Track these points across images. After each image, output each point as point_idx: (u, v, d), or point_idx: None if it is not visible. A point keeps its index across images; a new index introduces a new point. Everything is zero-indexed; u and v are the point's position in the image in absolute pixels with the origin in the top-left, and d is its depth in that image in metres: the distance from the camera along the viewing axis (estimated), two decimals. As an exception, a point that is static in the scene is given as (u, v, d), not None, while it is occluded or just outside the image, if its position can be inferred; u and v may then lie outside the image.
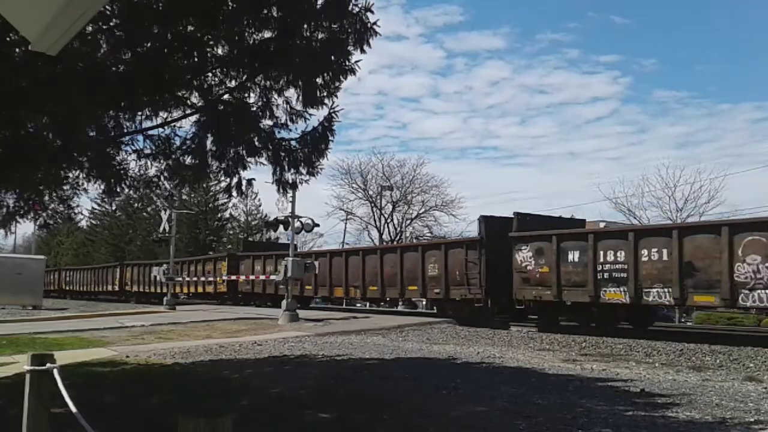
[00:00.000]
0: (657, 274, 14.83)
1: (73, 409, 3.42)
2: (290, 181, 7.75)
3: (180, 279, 32.07)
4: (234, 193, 7.84)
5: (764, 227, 13.39)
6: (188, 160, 7.59)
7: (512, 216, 18.95)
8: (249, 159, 7.48)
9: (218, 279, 30.38)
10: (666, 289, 14.62)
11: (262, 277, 26.96)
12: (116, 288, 41.13)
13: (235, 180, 7.67)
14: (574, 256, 16.82)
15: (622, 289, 15.47)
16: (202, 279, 31.88)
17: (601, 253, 15.99)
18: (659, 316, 21.39)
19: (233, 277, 29.15)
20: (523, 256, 17.95)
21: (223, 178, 7.87)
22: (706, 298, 14.33)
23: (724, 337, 14.66)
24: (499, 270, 18.37)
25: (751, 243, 13.33)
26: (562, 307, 17.47)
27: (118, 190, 7.99)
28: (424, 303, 36.10)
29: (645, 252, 15.09)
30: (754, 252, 13.24)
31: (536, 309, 18.23)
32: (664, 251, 14.69)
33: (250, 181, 7.77)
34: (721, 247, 13.61)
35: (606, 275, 15.85)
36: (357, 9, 6.76)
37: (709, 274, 13.90)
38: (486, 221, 19.52)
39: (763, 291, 13.14)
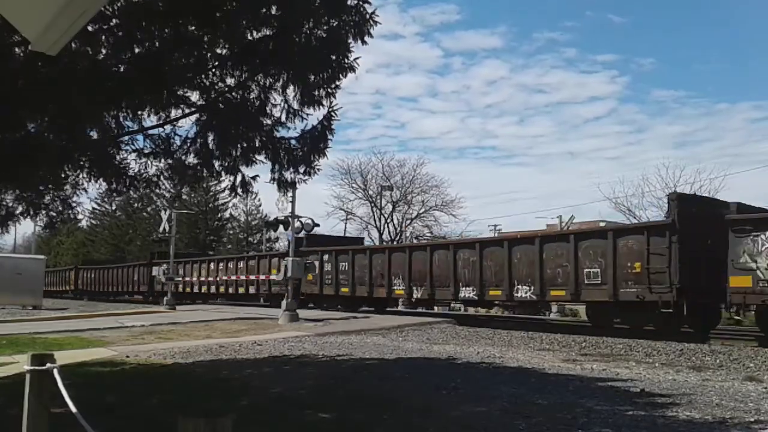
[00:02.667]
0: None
1: (73, 409, 3.42)
2: (289, 180, 7.75)
3: (220, 279, 31.09)
4: (239, 191, 7.83)
5: (598, 236, 16.52)
6: (191, 159, 7.59)
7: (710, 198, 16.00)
8: (250, 158, 7.48)
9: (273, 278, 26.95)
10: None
11: (344, 279, 24.04)
12: (144, 288, 37.65)
13: (239, 178, 7.67)
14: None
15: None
16: (252, 277, 29.12)
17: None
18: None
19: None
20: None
21: (224, 177, 7.87)
22: (558, 293, 17.27)
23: (724, 337, 14.66)
24: (701, 263, 14.38)
25: (587, 248, 16.38)
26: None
27: (119, 189, 7.99)
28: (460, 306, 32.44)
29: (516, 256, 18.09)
30: (593, 255, 16.16)
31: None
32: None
33: (254, 178, 7.76)
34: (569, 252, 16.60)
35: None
36: (355, 1, 6.76)
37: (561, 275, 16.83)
38: (680, 200, 15.16)
39: (597, 288, 16.01)
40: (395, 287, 22.28)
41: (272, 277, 26.41)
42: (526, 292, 17.87)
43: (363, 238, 44.02)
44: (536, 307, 27.40)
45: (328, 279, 24.82)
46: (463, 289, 19.79)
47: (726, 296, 13.77)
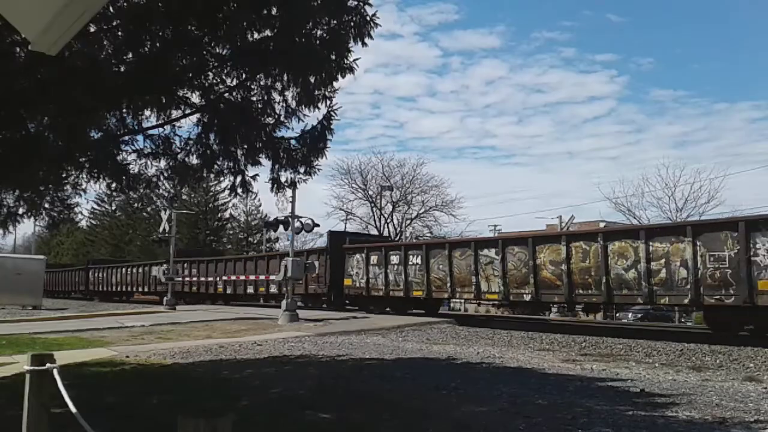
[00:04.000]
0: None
1: (73, 409, 3.42)
2: (289, 181, 7.76)
3: (235, 278, 30.03)
4: (239, 191, 7.83)
5: (521, 242, 18.24)
6: (191, 159, 7.59)
7: None
8: (251, 158, 7.48)
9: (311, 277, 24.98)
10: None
11: (395, 278, 21.48)
12: (163, 288, 34.21)
13: (239, 179, 7.67)
14: None
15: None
16: (271, 277, 26.12)
17: None
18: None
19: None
20: None
21: (225, 178, 7.87)
22: (492, 296, 19.17)
23: (724, 337, 14.65)
24: None
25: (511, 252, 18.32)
26: None
27: (119, 190, 7.99)
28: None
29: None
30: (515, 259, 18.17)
31: None
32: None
33: (254, 177, 7.77)
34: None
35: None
36: (355, 2, 6.76)
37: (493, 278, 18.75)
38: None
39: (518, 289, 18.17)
40: (462, 288, 19.75)
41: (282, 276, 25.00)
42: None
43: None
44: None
45: (376, 279, 22.38)
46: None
47: None
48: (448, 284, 19.90)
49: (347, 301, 24.44)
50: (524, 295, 18.19)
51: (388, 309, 22.11)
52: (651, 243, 15.22)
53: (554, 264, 17.23)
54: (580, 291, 16.72)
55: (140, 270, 38.11)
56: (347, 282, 23.35)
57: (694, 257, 14.35)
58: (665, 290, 15.02)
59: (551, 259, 17.33)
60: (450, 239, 28.89)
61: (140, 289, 38.19)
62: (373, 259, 22.61)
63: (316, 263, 19.84)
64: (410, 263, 21.25)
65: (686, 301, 14.93)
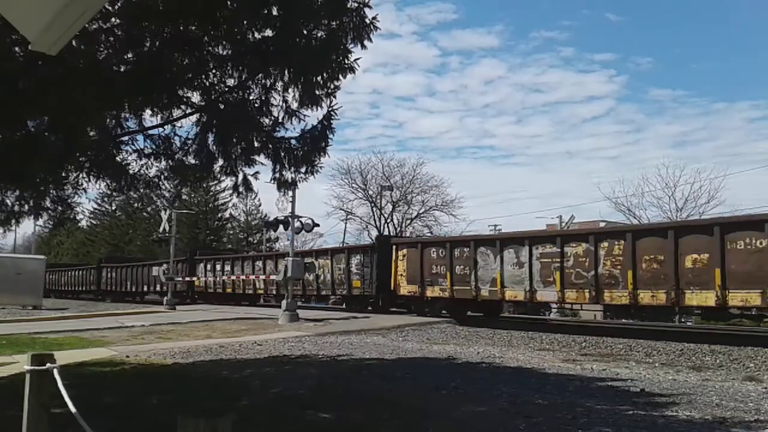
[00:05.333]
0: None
1: (73, 409, 3.42)
2: (290, 180, 7.75)
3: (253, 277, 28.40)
4: (240, 190, 7.83)
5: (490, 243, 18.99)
6: (191, 159, 7.59)
7: None
8: (250, 158, 7.49)
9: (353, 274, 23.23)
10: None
11: (472, 280, 18.69)
12: (183, 287, 32.07)
13: (240, 178, 7.67)
14: None
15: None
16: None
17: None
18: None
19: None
20: None
21: (224, 177, 7.87)
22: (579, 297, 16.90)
23: (724, 337, 14.65)
24: None
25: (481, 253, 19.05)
26: None
27: (119, 189, 7.99)
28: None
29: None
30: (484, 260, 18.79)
31: None
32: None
33: (254, 176, 7.77)
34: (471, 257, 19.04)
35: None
36: (356, 5, 6.77)
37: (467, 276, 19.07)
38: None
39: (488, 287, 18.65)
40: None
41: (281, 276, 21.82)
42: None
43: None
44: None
45: (434, 277, 20.02)
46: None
47: None
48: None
49: (398, 302, 22.01)
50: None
51: (444, 312, 19.83)
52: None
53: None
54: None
55: (147, 270, 36.22)
56: (399, 281, 21.05)
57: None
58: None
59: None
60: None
61: (153, 289, 36.36)
62: (436, 256, 20.14)
63: (289, 265, 18.60)
64: (480, 260, 18.83)
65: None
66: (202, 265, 33.16)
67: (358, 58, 7.01)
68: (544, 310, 25.79)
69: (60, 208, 8.40)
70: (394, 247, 21.94)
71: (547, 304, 21.30)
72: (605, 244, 16.03)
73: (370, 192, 50.52)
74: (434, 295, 20.11)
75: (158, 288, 34.57)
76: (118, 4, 6.11)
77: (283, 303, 19.02)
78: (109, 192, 8.19)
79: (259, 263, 29.51)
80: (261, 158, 7.51)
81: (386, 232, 48.73)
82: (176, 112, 7.35)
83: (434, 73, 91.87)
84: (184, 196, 47.71)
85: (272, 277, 24.91)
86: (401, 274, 21.09)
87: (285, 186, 7.81)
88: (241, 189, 7.82)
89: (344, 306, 25.69)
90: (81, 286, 46.92)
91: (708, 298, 13.97)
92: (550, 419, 6.12)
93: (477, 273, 18.85)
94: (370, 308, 22.80)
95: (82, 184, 7.95)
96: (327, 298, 27.30)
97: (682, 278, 14.34)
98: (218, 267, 32.02)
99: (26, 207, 8.12)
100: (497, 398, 7.24)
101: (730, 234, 13.70)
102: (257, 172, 7.75)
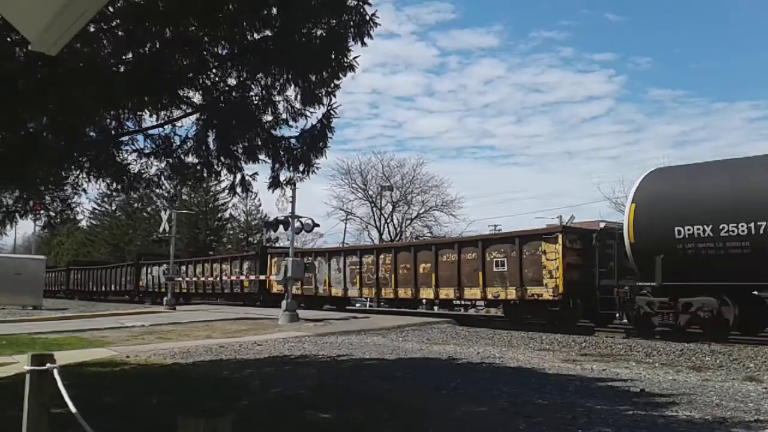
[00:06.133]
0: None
1: (73, 409, 3.42)
2: (289, 180, 7.76)
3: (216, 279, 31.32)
4: (238, 191, 7.83)
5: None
6: (191, 158, 7.59)
7: None
8: (251, 157, 7.48)
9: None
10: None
11: (313, 282, 23.49)
12: (131, 287, 38.26)
13: (238, 177, 7.67)
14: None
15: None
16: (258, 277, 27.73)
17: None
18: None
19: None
20: None
21: (224, 177, 7.87)
22: (369, 293, 23.72)
23: (724, 337, 14.65)
24: None
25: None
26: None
27: (120, 189, 7.99)
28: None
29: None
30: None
31: None
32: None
33: (253, 176, 7.77)
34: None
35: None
36: (355, 2, 6.76)
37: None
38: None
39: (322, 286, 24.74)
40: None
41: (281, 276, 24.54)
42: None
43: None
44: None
45: (290, 280, 20.00)
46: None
47: None
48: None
49: (272, 299, 26.14)
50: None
51: (302, 304, 22.43)
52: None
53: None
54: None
55: (114, 272, 42.09)
56: (271, 282, 25.81)
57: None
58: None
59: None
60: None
61: (113, 289, 41.45)
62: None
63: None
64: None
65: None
66: (144, 268, 37.85)
67: (357, 56, 7.01)
68: (355, 303, 31.96)
69: (60, 207, 8.40)
70: (269, 255, 28.43)
71: (354, 298, 27.67)
72: (383, 255, 22.78)
73: (370, 192, 50.56)
74: (295, 292, 23.29)
75: (117, 288, 40.51)
76: (119, 4, 6.10)
77: (283, 303, 19.03)
78: (109, 192, 8.20)
79: (225, 265, 32.11)
80: (261, 156, 7.51)
81: (386, 233, 48.83)
82: (176, 112, 7.35)
83: (433, 73, 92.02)
84: (184, 196, 47.83)
85: (233, 278, 30.30)
86: (273, 277, 25.20)
87: (283, 185, 7.81)
88: (238, 189, 7.82)
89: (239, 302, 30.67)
90: (55, 286, 49.88)
91: (431, 293, 21.09)
92: (550, 419, 6.12)
93: (316, 276, 24.37)
94: (258, 303, 27.69)
95: (81, 184, 7.96)
96: (226, 295, 32.32)
97: (419, 280, 21.17)
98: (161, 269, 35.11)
99: (26, 207, 8.11)
100: (497, 398, 7.23)
101: (441, 250, 20.67)
102: (255, 173, 7.77)
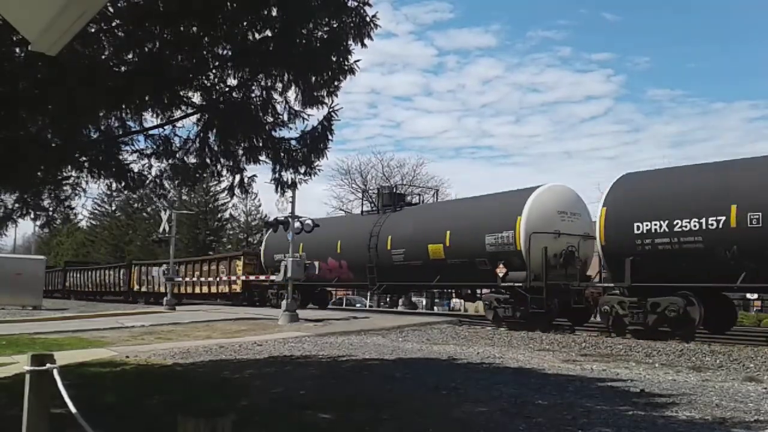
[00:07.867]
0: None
1: (73, 409, 3.42)
2: (289, 181, 7.75)
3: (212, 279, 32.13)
4: (237, 192, 7.83)
5: None
6: (191, 159, 7.59)
7: None
8: (251, 158, 7.49)
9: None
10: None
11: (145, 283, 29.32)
12: (124, 288, 39.06)
13: (237, 178, 7.67)
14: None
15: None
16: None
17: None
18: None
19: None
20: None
21: (224, 177, 7.88)
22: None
23: (724, 337, 14.67)
24: None
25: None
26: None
27: (121, 190, 7.99)
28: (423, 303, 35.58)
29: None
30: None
31: None
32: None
33: (252, 178, 7.77)
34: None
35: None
36: (355, 3, 6.76)
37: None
38: None
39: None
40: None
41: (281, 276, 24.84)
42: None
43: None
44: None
45: (142, 283, 35.92)
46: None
47: None
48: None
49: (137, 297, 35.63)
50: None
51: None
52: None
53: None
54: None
55: (107, 273, 43.01)
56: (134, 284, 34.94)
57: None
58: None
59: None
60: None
61: (106, 289, 42.44)
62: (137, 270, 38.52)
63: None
64: None
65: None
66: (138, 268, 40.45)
67: (358, 60, 7.02)
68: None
69: (60, 208, 8.40)
70: (133, 264, 38.96)
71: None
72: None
73: (370, 192, 50.45)
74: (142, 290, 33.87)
75: (111, 289, 41.70)
76: (119, 4, 6.11)
77: (283, 303, 19.02)
78: (110, 192, 8.21)
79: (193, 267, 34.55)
80: (262, 157, 7.51)
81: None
82: (177, 113, 7.35)
83: (431, 72, 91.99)
84: (184, 196, 47.85)
85: (233, 277, 30.93)
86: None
87: (284, 187, 7.81)
88: (237, 190, 7.82)
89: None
90: (52, 286, 49.63)
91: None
92: (550, 419, 6.11)
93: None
94: (257, 303, 29.33)
95: (81, 184, 7.96)
96: (223, 296, 33.07)
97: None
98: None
99: (25, 207, 8.11)
100: (497, 398, 7.23)
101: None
102: (254, 175, 7.78)
